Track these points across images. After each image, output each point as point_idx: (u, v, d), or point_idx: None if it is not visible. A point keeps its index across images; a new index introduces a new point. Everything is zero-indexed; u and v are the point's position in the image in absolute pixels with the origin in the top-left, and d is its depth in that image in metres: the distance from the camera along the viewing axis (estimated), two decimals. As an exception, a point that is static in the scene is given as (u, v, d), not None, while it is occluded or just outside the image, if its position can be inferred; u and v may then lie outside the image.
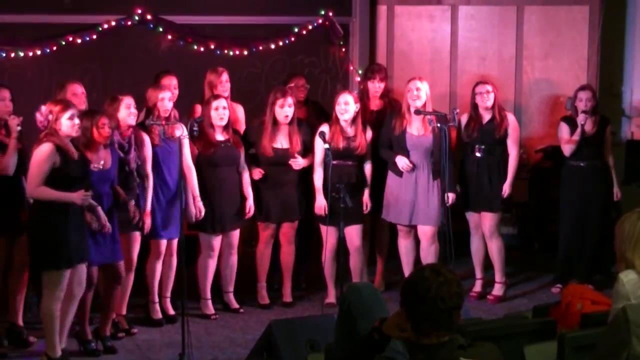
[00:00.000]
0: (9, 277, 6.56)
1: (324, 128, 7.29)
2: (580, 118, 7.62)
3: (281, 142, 7.36)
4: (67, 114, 5.90)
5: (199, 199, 7.05)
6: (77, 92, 6.87)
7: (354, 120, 7.32)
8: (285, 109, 7.28)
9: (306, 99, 7.94)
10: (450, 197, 7.29)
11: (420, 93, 7.33)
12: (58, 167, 5.84)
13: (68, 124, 5.90)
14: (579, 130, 7.63)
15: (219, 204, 7.15)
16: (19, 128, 6.25)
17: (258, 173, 7.34)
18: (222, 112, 7.08)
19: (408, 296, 3.34)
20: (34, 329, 6.72)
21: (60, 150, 5.85)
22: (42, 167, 5.82)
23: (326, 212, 7.24)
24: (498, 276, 7.73)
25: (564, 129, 7.78)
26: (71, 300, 6.12)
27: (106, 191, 6.37)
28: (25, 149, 6.28)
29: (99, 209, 6.18)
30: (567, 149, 7.75)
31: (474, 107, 7.61)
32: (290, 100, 7.30)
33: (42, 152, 5.82)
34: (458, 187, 7.57)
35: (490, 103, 7.51)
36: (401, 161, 7.36)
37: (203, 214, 7.06)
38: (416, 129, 7.40)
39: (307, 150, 7.44)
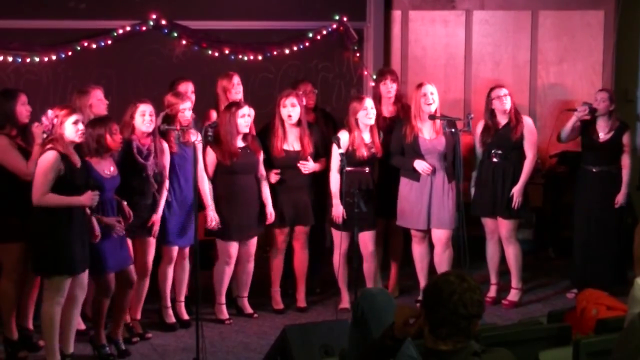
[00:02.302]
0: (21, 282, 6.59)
1: (341, 135, 7.28)
2: (582, 108, 7.63)
3: (292, 144, 7.37)
4: (72, 118, 5.93)
5: (211, 208, 7.06)
6: (101, 97, 6.93)
7: (371, 126, 7.35)
8: (288, 108, 7.28)
9: (315, 106, 7.91)
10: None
11: (434, 97, 7.33)
12: (63, 175, 5.87)
13: (72, 129, 5.92)
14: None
15: (237, 212, 7.15)
16: (44, 136, 6.26)
17: (274, 176, 7.34)
18: (248, 119, 7.11)
19: (431, 298, 3.35)
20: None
21: (65, 158, 5.88)
22: (47, 176, 5.84)
23: (345, 218, 7.23)
24: (514, 282, 7.71)
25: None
26: (74, 304, 6.14)
27: (113, 197, 6.41)
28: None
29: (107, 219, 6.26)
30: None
31: (491, 112, 7.58)
32: (293, 99, 7.30)
33: (47, 161, 5.85)
34: (472, 189, 7.60)
35: (508, 106, 7.50)
36: (420, 165, 7.34)
37: (217, 223, 7.08)
38: (428, 133, 7.39)
39: (319, 153, 7.44)
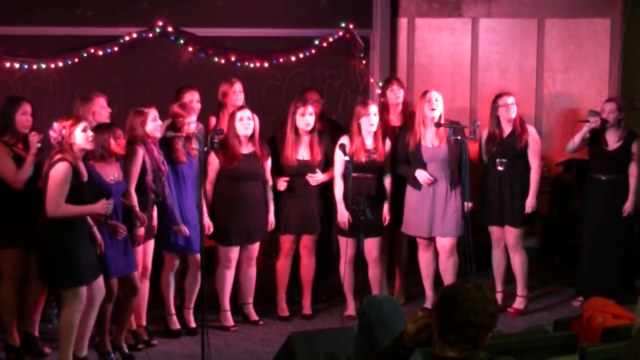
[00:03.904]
0: (26, 289, 6.57)
1: (344, 140, 7.29)
2: (593, 119, 7.62)
3: (302, 153, 7.37)
4: (80, 126, 5.93)
5: (205, 214, 7.01)
6: (104, 104, 6.95)
7: (375, 132, 7.34)
8: (306, 117, 7.29)
9: (321, 114, 7.89)
10: (469, 205, 7.26)
11: (438, 103, 7.33)
12: (71, 186, 5.87)
13: (82, 137, 5.92)
14: (584, 129, 7.65)
15: (238, 217, 7.16)
16: (39, 145, 6.27)
17: (283, 183, 7.34)
18: (247, 122, 7.10)
19: (444, 301, 3.36)
20: (52, 340, 6.73)
21: (74, 171, 5.88)
22: (62, 187, 5.82)
23: (351, 222, 7.23)
24: (520, 290, 7.70)
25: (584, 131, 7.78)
26: (92, 306, 6.15)
27: (119, 203, 6.41)
28: (41, 163, 6.25)
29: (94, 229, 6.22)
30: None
31: (496, 120, 7.57)
32: (310, 108, 7.32)
33: (60, 172, 5.83)
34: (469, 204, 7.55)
35: (514, 115, 7.49)
36: (421, 175, 7.34)
37: (212, 230, 7.07)
38: (430, 141, 7.39)
39: (328, 162, 7.44)
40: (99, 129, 6.29)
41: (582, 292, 7.83)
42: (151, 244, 6.83)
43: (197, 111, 7.21)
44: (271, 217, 7.31)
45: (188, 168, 6.97)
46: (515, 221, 7.55)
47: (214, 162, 7.12)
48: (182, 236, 6.91)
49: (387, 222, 7.46)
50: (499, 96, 7.62)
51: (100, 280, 6.15)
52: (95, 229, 6.18)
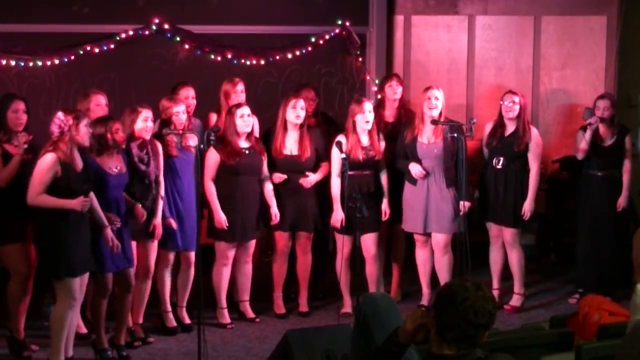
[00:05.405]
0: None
1: (341, 138, 7.29)
2: (592, 119, 7.61)
3: (290, 147, 7.36)
4: (85, 121, 5.99)
5: (217, 209, 7.05)
6: (100, 102, 6.95)
7: (370, 129, 7.34)
8: (297, 110, 7.28)
9: (315, 112, 7.88)
10: (466, 205, 7.25)
11: (437, 102, 7.33)
12: (59, 177, 5.90)
13: (85, 131, 5.98)
14: (589, 132, 7.62)
15: (238, 214, 7.15)
16: (25, 146, 6.26)
17: (278, 177, 7.33)
18: (248, 119, 7.10)
19: (443, 300, 3.37)
20: (42, 336, 6.72)
21: (63, 162, 5.90)
22: (44, 177, 5.88)
23: (343, 224, 7.24)
24: (517, 287, 7.70)
25: (581, 138, 7.76)
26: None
27: (121, 196, 6.41)
28: (34, 160, 6.23)
29: (108, 230, 6.21)
30: (580, 154, 7.75)
31: (500, 116, 7.58)
32: (302, 102, 7.31)
33: (45, 162, 5.89)
34: (477, 192, 7.58)
35: (513, 114, 7.47)
36: (414, 168, 7.35)
37: (225, 222, 7.08)
38: (426, 137, 7.39)
39: (319, 158, 7.44)
40: (96, 124, 6.30)
41: (581, 288, 7.82)
42: (154, 244, 6.83)
43: (191, 106, 7.21)
44: (275, 210, 7.30)
45: (183, 162, 6.95)
46: (508, 221, 7.55)
47: (214, 158, 7.10)
48: (176, 233, 6.91)
49: (387, 216, 7.45)
50: (505, 93, 7.61)
51: (85, 278, 6.14)
52: (109, 231, 6.18)
